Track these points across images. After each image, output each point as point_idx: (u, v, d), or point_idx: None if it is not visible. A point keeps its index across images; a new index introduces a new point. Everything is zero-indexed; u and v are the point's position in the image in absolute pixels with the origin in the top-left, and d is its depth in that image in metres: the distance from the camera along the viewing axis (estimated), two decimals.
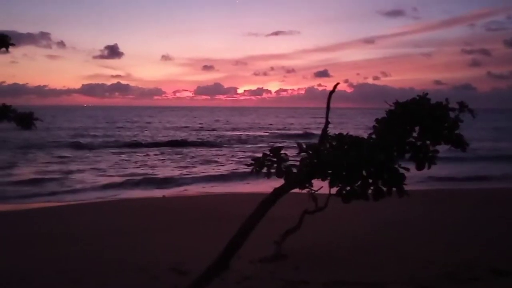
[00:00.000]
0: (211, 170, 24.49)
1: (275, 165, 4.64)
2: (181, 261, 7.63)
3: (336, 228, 9.94)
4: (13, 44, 5.08)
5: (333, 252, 8.28)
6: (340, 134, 4.44)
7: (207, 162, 27.89)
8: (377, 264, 7.55)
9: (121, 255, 8.29)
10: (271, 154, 4.66)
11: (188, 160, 28.48)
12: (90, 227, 10.57)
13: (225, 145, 39.65)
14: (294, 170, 4.59)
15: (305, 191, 5.90)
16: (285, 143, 33.34)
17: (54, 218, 11.98)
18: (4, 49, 5.08)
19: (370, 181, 4.10)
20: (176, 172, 23.34)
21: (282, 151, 4.71)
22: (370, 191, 4.13)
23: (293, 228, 8.21)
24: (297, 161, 4.56)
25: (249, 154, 29.91)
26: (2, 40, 5.00)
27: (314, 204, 8.05)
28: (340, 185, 4.18)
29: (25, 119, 5.01)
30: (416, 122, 4.16)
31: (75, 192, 17.55)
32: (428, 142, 4.20)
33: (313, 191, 6.49)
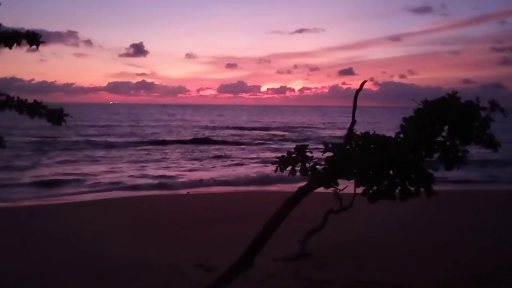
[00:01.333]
0: (235, 168, 24.59)
1: (300, 163, 4.63)
2: (206, 258, 7.68)
3: (361, 228, 9.84)
4: (43, 42, 5.17)
5: (357, 252, 8.21)
6: (366, 133, 4.39)
7: (232, 160, 28.00)
8: (402, 264, 7.46)
9: (146, 251, 8.40)
10: (296, 153, 4.65)
11: (212, 158, 28.63)
12: (114, 224, 10.72)
13: (249, 144, 39.69)
14: (319, 169, 4.56)
15: (330, 190, 5.86)
16: (310, 142, 33.19)
17: (76, 215, 12.16)
18: (34, 46, 5.17)
19: (397, 181, 4.04)
20: (200, 169, 23.53)
21: (307, 150, 4.69)
22: (397, 191, 4.08)
23: (317, 228, 8.16)
24: (323, 160, 4.54)
25: (273, 153, 29.98)
26: (33, 37, 5.09)
27: (338, 203, 8.00)
28: (366, 184, 4.14)
29: (56, 115, 5.11)
30: (445, 121, 4.07)
31: (98, 190, 17.70)
32: (457, 142, 4.11)
33: (338, 191, 6.43)
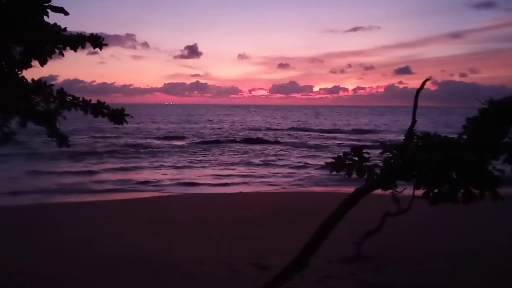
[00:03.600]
0: (288, 168, 24.57)
1: (356, 164, 4.54)
2: (260, 256, 7.73)
3: (419, 231, 9.54)
4: (105, 44, 5.37)
5: (415, 255, 7.97)
6: (427, 133, 4.25)
7: (285, 160, 27.99)
8: (462, 269, 7.17)
9: (201, 248, 8.57)
10: (352, 153, 4.57)
11: (265, 158, 28.76)
12: (167, 221, 10.99)
13: (302, 145, 39.48)
14: (377, 171, 4.46)
15: (387, 192, 5.71)
16: (366, 142, 32.60)
17: (130, 211, 12.58)
18: (97, 49, 5.39)
19: (460, 183, 3.88)
20: (251, 169, 23.71)
21: (364, 151, 4.59)
22: (459, 194, 3.91)
23: (374, 230, 8.00)
24: (381, 161, 4.43)
25: (328, 154, 29.76)
26: (96, 40, 5.30)
27: (396, 206, 7.79)
28: (426, 187, 4.00)
29: (118, 115, 5.31)
30: None
31: (150, 189, 18.18)
32: None
33: (396, 192, 6.25)
